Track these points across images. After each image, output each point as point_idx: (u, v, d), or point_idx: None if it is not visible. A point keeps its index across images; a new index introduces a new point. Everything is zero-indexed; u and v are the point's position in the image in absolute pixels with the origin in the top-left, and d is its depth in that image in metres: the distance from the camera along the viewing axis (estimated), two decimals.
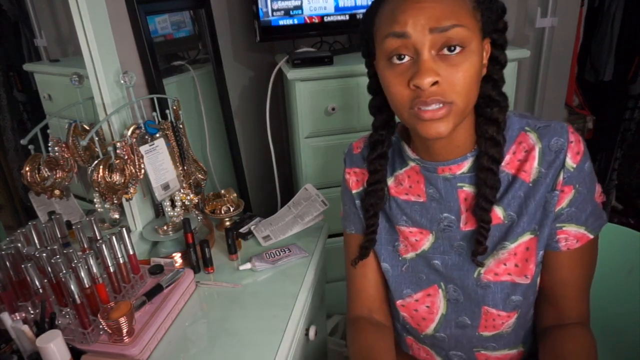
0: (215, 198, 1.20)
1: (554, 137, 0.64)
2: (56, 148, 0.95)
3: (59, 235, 0.89)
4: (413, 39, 0.56)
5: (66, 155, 0.96)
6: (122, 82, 0.93)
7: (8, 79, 1.03)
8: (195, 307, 0.90)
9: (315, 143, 1.37)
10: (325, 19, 1.42)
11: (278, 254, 1.02)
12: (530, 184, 0.66)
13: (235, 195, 1.20)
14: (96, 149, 0.90)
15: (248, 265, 1.00)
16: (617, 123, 2.06)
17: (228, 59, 1.54)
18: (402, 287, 0.79)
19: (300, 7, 1.40)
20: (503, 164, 0.67)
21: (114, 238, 0.81)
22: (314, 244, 1.08)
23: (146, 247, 1.06)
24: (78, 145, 0.98)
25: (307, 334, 0.95)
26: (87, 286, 0.74)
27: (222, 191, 1.20)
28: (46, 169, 0.93)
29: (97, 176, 0.85)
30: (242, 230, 1.14)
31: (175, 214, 1.04)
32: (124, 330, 0.74)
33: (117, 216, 1.04)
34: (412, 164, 0.73)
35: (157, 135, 0.99)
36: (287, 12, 1.40)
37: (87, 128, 0.99)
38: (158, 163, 0.98)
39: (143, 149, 0.94)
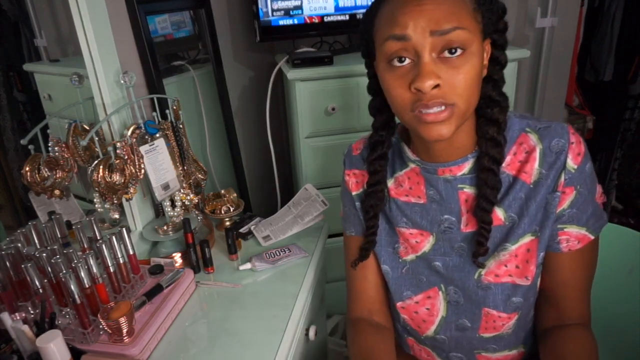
0: (215, 198, 1.20)
1: (555, 138, 0.64)
2: (56, 148, 0.95)
3: (59, 235, 0.89)
4: (413, 41, 0.56)
5: (66, 155, 0.96)
6: (122, 82, 0.93)
7: (8, 79, 1.03)
8: (195, 307, 0.90)
9: (315, 143, 1.37)
10: (325, 19, 1.42)
11: (278, 254, 1.02)
12: (531, 185, 0.65)
13: (235, 195, 1.19)
14: (96, 149, 0.90)
15: (248, 265, 1.00)
16: (617, 123, 2.06)
17: (228, 59, 1.54)
18: (402, 289, 0.79)
19: (300, 7, 1.39)
20: (504, 165, 0.66)
21: (114, 238, 0.81)
22: (314, 244, 1.08)
23: (146, 247, 1.06)
24: (78, 145, 0.98)
25: (307, 334, 0.95)
26: (87, 286, 0.74)
27: (222, 191, 1.20)
28: (46, 169, 0.93)
29: (97, 176, 0.85)
30: (242, 230, 1.13)
31: (175, 214, 1.04)
32: (124, 330, 0.74)
33: (117, 216, 1.04)
34: (412, 165, 0.73)
35: (157, 135, 0.99)
36: (287, 12, 1.40)
37: (87, 128, 0.99)
38: (158, 163, 0.98)
39: (143, 149, 0.94)
